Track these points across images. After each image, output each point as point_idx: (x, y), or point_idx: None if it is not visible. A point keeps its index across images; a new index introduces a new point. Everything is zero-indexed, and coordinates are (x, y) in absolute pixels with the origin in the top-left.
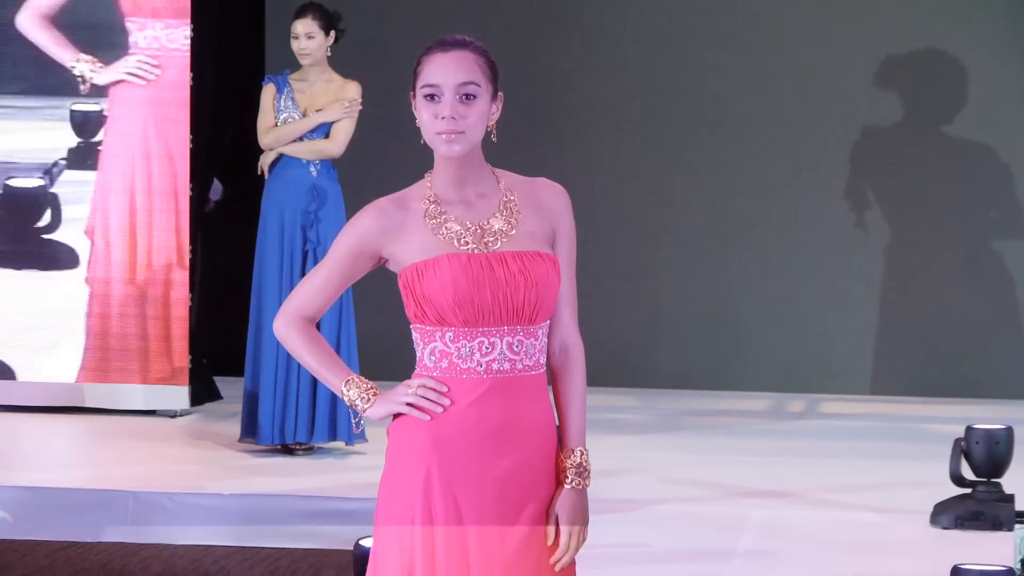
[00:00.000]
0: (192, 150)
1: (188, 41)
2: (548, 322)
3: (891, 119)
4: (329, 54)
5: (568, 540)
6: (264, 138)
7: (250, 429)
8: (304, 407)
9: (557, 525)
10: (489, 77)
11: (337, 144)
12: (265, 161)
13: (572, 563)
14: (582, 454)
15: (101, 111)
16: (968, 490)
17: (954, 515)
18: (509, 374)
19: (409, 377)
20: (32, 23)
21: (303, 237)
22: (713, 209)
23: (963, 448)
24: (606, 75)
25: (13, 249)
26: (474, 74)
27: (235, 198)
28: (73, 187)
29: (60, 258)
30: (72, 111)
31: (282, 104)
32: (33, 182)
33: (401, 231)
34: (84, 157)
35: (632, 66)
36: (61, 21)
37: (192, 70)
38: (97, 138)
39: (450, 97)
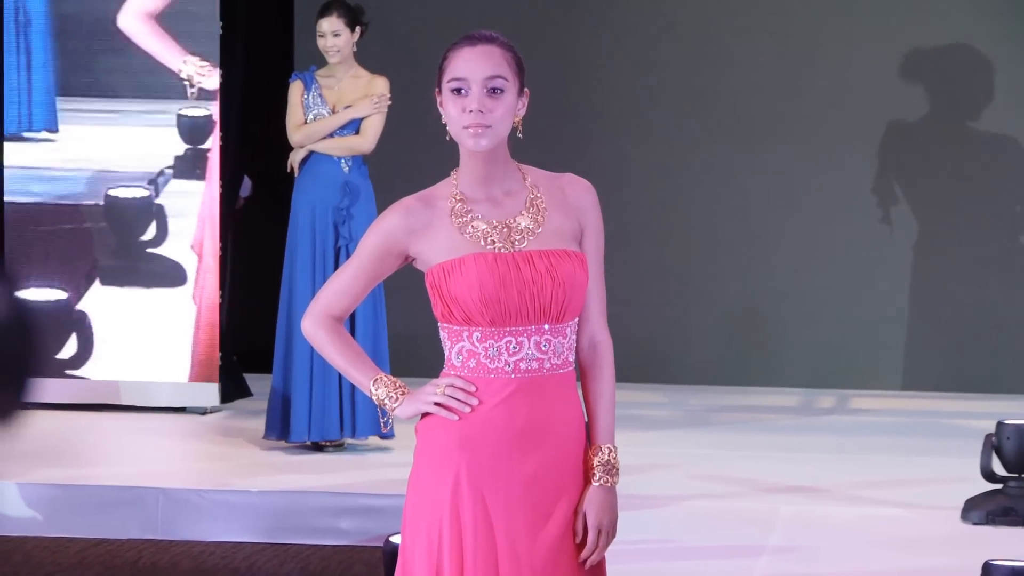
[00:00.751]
0: (221, 148)
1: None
2: (576, 320)
3: (918, 113)
4: (355, 49)
5: (596, 538)
6: (294, 135)
7: (278, 426)
8: (347, 402)
9: (585, 523)
10: (516, 72)
11: (368, 140)
12: (296, 158)
13: (601, 561)
14: (610, 451)
15: (210, 116)
16: (999, 486)
17: (985, 511)
18: (537, 373)
19: (437, 376)
20: (136, 22)
21: (335, 234)
22: (742, 205)
23: (994, 444)
24: (633, 71)
25: (116, 264)
26: (501, 68)
27: (265, 195)
28: (179, 198)
29: (166, 274)
30: (179, 116)
31: (311, 101)
32: (137, 192)
33: (427, 230)
34: (192, 166)
35: (659, 62)
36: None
37: (221, 68)
38: (205, 145)
39: (477, 91)
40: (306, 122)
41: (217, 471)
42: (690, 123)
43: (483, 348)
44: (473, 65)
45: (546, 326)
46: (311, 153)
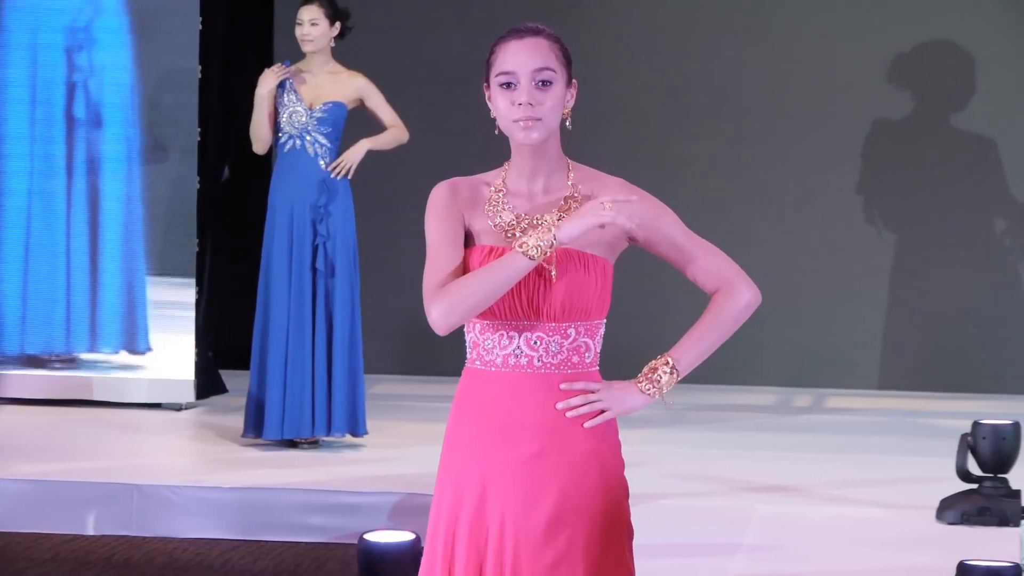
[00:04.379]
0: (200, 143)
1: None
2: (591, 323)
3: (900, 113)
4: (333, 45)
5: (583, 391)
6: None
7: (254, 424)
8: (320, 400)
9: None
10: (563, 63)
11: (399, 126)
12: (353, 159)
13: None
14: (666, 363)
15: None
16: (975, 486)
17: (960, 511)
18: (524, 370)
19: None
20: None
21: (313, 231)
22: (721, 203)
23: (970, 443)
24: (614, 68)
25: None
26: (549, 60)
27: (245, 190)
28: None
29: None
30: None
31: (284, 98)
32: None
33: (470, 209)
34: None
35: (639, 59)
36: None
37: (201, 62)
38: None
39: (526, 83)
40: (277, 119)
41: (192, 467)
42: (670, 121)
43: (483, 340)
44: (521, 58)
45: (539, 323)
46: (291, 149)
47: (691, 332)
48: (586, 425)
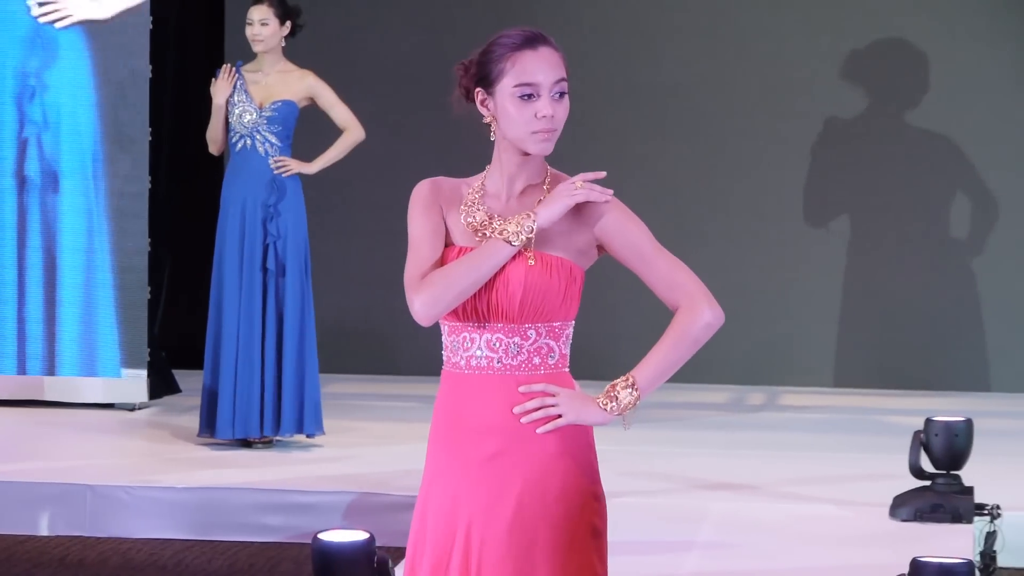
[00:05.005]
0: (151, 142)
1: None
2: (554, 324)
3: (852, 111)
4: (283, 44)
5: (541, 394)
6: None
7: (208, 423)
8: (270, 400)
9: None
10: (567, 72)
11: (354, 128)
12: (297, 167)
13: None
14: (626, 381)
15: None
16: (927, 482)
17: (913, 508)
18: (485, 371)
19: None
20: None
21: (264, 231)
22: (673, 201)
23: (922, 440)
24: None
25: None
26: (562, 71)
27: (197, 190)
28: None
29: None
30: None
31: (235, 98)
32: None
33: (449, 207)
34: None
35: (589, 59)
36: None
37: (152, 62)
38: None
39: (547, 96)
40: (229, 119)
41: (145, 467)
42: (621, 120)
43: (451, 343)
44: (542, 70)
45: (499, 324)
46: (242, 149)
47: (652, 351)
48: (539, 431)
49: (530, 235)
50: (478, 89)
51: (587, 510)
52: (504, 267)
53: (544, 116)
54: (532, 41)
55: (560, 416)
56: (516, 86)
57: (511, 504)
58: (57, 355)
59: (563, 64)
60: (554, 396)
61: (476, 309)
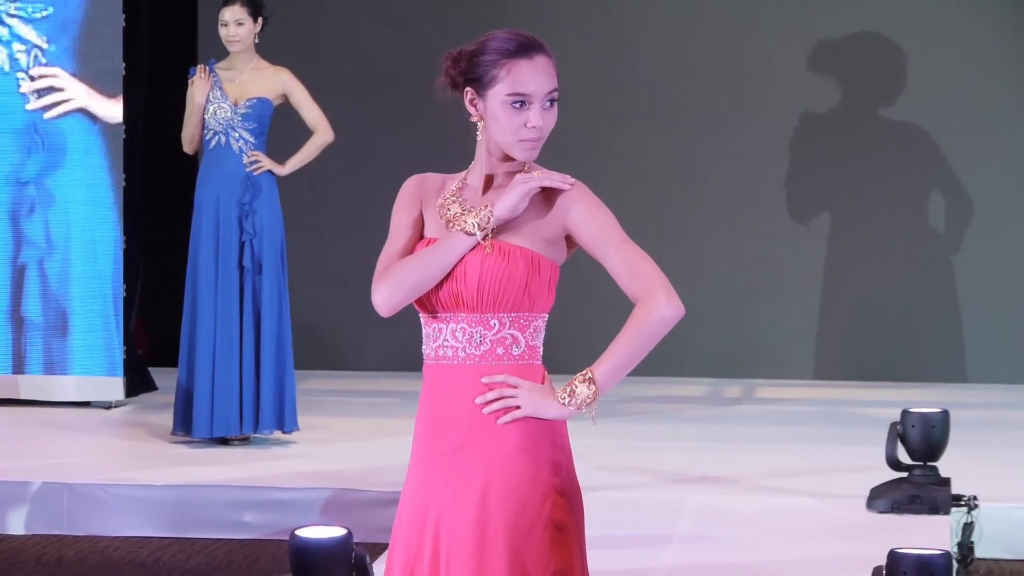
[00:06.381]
0: (126, 140)
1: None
2: (518, 315)
3: (828, 105)
4: (257, 41)
5: (503, 384)
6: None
7: (183, 422)
8: (248, 397)
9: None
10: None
11: (323, 130)
12: (271, 166)
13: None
14: (583, 377)
15: None
16: (904, 474)
17: (890, 499)
18: (451, 361)
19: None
20: None
21: (239, 228)
22: (649, 194)
23: (899, 432)
24: None
25: None
26: (554, 80)
27: (170, 188)
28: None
29: None
30: None
31: (211, 95)
32: None
33: (428, 201)
34: None
35: (566, 51)
36: None
37: (125, 60)
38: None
39: (538, 105)
40: (204, 115)
41: (122, 465)
42: (596, 114)
43: (424, 334)
44: (536, 81)
45: (463, 315)
46: (216, 146)
47: (611, 346)
48: (499, 422)
49: (487, 225)
50: (468, 88)
51: (547, 503)
52: (463, 257)
53: (534, 126)
54: (528, 49)
55: (518, 407)
56: (509, 94)
57: (475, 495)
58: (30, 353)
59: (555, 72)
60: (515, 388)
61: (439, 300)
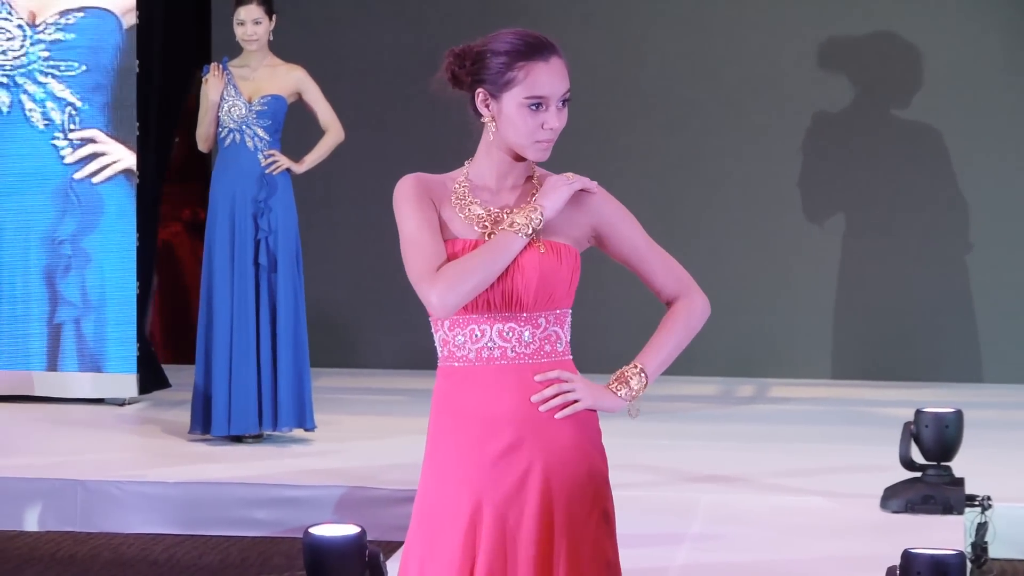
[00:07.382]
0: (139, 139)
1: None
2: (558, 312)
3: (842, 104)
4: (271, 39)
5: (558, 380)
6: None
7: (202, 421)
8: (267, 395)
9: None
10: None
11: (335, 129)
12: (289, 164)
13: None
14: (635, 368)
15: None
16: (918, 474)
17: (904, 499)
18: (499, 361)
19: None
20: None
21: (255, 226)
22: (663, 194)
23: (913, 432)
24: None
25: None
26: (568, 81)
27: (185, 187)
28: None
29: None
30: None
31: (224, 93)
32: None
33: (439, 201)
34: None
35: (578, 51)
36: None
37: (139, 58)
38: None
39: (554, 107)
40: (219, 113)
41: (136, 462)
42: (609, 113)
43: (453, 336)
44: (553, 83)
45: (512, 314)
46: (231, 143)
47: (653, 339)
48: (558, 416)
49: (538, 226)
50: (480, 90)
51: (600, 495)
52: (516, 257)
53: (551, 128)
54: (543, 51)
55: (577, 401)
56: (527, 97)
57: (536, 491)
58: (49, 351)
59: (568, 73)
60: (570, 382)
61: (489, 300)
